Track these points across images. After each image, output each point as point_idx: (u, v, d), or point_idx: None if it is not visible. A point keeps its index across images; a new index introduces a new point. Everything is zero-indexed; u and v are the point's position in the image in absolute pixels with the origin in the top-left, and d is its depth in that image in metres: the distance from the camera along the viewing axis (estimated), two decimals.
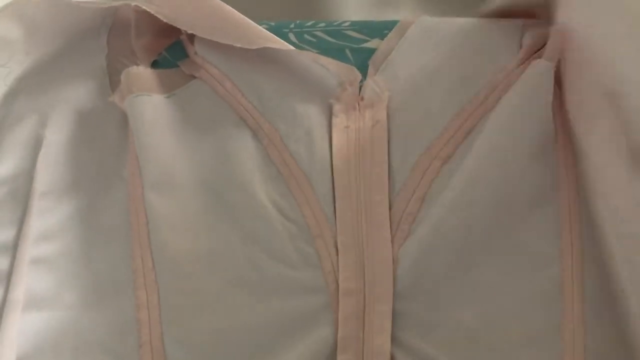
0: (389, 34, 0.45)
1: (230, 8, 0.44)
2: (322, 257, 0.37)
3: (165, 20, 0.42)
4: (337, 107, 0.41)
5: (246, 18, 0.43)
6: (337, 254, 0.36)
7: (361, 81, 0.43)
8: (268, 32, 0.43)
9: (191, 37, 0.45)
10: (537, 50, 0.41)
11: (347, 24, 0.47)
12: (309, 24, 0.47)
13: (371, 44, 0.46)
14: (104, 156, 0.42)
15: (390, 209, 0.38)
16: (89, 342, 0.35)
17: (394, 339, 0.34)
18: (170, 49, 0.47)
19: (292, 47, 0.42)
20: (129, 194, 0.39)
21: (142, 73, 0.43)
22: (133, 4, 0.43)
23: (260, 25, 0.47)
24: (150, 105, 0.41)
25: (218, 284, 0.36)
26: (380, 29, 0.46)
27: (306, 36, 0.47)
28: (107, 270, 0.38)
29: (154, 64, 0.46)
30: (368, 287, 0.36)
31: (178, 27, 0.43)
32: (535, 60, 0.39)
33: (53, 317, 0.36)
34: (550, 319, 0.35)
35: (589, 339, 0.34)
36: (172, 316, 0.35)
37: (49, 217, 0.39)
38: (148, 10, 0.42)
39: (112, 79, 0.45)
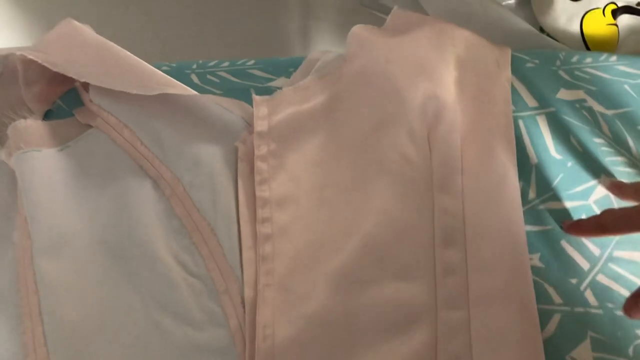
0: (295, 72, 0.44)
1: (126, 52, 0.42)
2: (228, 315, 0.35)
3: (54, 70, 0.40)
4: (242, 150, 0.39)
5: (143, 62, 0.41)
6: (244, 310, 0.35)
7: None
8: (167, 76, 0.41)
9: (86, 85, 0.43)
10: None
11: (251, 62, 0.45)
12: (212, 63, 0.45)
13: (277, 82, 0.44)
14: None
15: None
16: None
17: None
18: (65, 97, 0.44)
19: (193, 92, 0.40)
20: (18, 260, 0.36)
21: (30, 126, 0.40)
22: (18, 52, 0.40)
23: (161, 67, 0.45)
24: (41, 161, 0.38)
25: (117, 353, 0.33)
26: (286, 67, 0.45)
27: (209, 77, 0.45)
28: None
29: (48, 114, 0.43)
30: None
31: (68, 75, 0.40)
32: None
33: None
34: None
35: None
36: None
37: None
38: (35, 59, 0.40)
39: None
